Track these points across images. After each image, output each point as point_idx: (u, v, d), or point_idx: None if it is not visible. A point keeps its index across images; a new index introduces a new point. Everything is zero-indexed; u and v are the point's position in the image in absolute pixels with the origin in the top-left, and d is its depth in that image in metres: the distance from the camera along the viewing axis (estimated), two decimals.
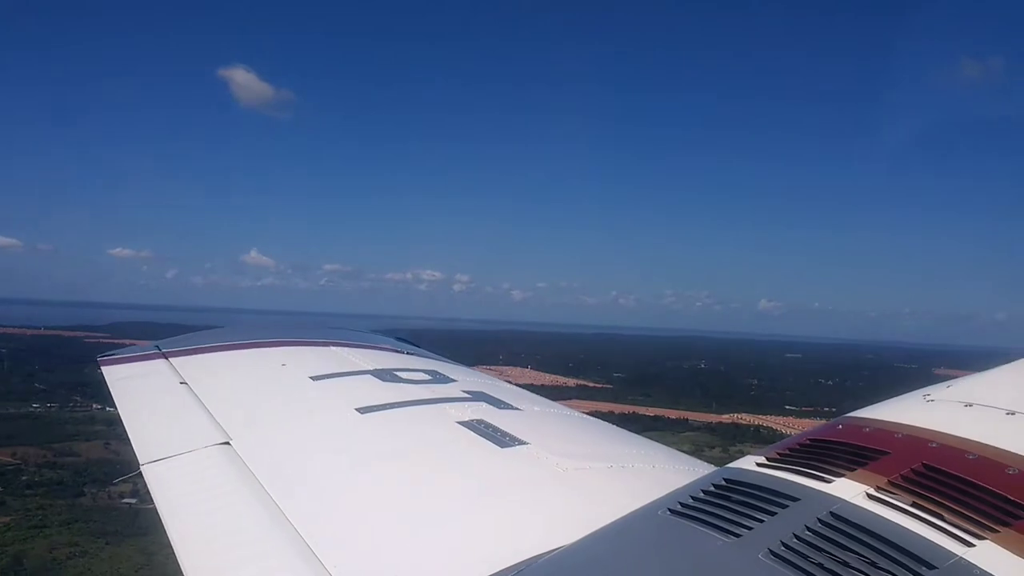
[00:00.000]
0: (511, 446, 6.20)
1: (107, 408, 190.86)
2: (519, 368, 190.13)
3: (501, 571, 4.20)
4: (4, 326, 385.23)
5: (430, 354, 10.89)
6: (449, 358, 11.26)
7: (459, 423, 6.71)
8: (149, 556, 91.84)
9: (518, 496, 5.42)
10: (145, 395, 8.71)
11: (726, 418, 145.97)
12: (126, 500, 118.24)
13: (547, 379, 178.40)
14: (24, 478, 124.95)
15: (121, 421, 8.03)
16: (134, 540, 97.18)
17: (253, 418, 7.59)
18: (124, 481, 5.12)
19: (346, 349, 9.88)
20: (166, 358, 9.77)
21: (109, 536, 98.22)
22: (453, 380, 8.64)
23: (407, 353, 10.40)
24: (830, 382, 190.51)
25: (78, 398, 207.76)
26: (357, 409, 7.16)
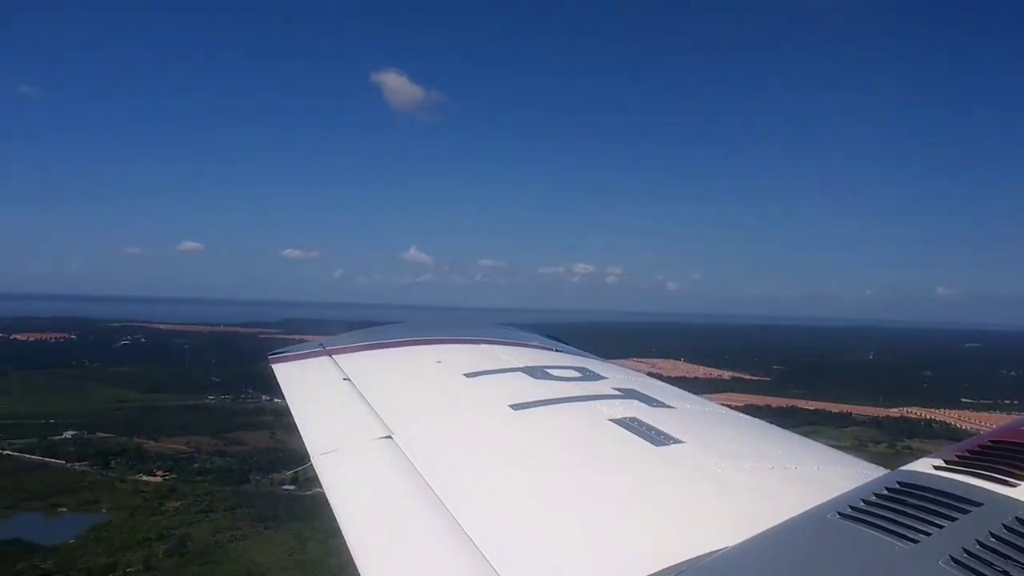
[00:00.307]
0: (666, 445, 5.96)
1: (275, 400, 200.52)
2: (672, 360, 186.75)
3: (661, 571, 3.98)
4: (188, 324, 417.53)
5: (579, 351, 10.79)
6: (600, 351, 11.18)
7: (611, 420, 6.54)
8: (303, 541, 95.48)
9: (676, 496, 5.19)
10: (312, 391, 9.07)
11: (894, 412, 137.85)
12: (286, 487, 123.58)
13: (700, 371, 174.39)
14: (196, 465, 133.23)
15: (290, 414, 8.30)
16: (291, 525, 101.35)
17: (412, 413, 7.67)
18: (295, 472, 4.82)
19: (497, 347, 10.00)
20: (330, 355, 10.11)
21: (268, 521, 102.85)
22: (603, 377, 8.50)
23: (556, 350, 10.35)
24: (1013, 373, 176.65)
25: (249, 390, 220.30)
26: (510, 406, 7.12)
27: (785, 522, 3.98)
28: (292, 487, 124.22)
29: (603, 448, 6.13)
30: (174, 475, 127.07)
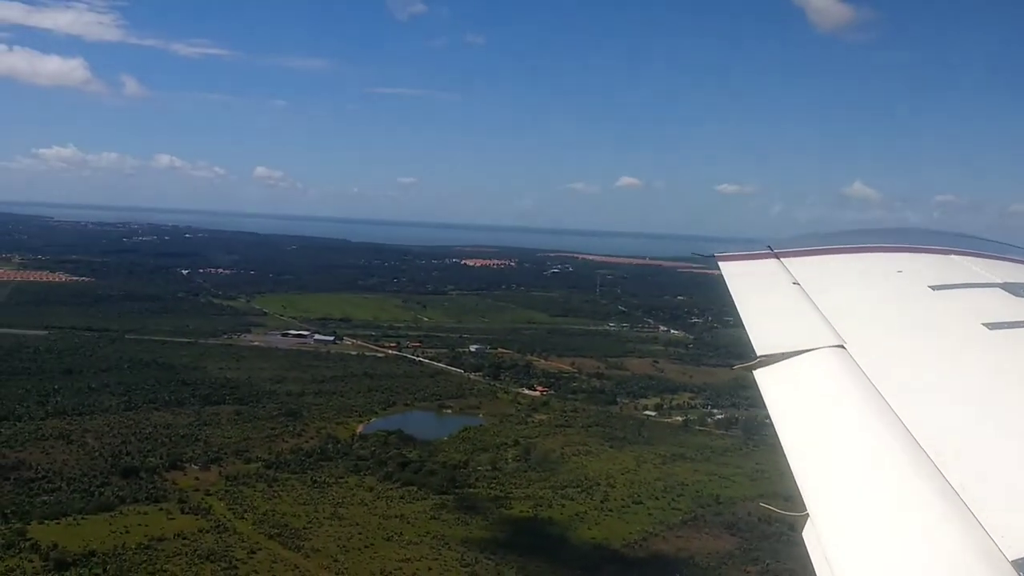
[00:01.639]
0: None
1: (671, 331, 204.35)
2: None
3: None
4: (616, 256, 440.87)
5: None
6: None
7: None
8: (640, 463, 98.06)
9: None
10: (758, 292, 9.09)
11: None
12: (648, 412, 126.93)
13: None
14: (574, 384, 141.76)
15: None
16: (634, 447, 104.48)
17: (867, 323, 7.48)
18: (745, 368, 6.00)
19: (970, 259, 9.28)
20: (778, 258, 9.96)
21: (615, 441, 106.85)
22: None
23: None
24: None
25: (649, 320, 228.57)
26: (985, 324, 6.64)
27: None
28: (653, 413, 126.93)
29: None
30: (551, 391, 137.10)
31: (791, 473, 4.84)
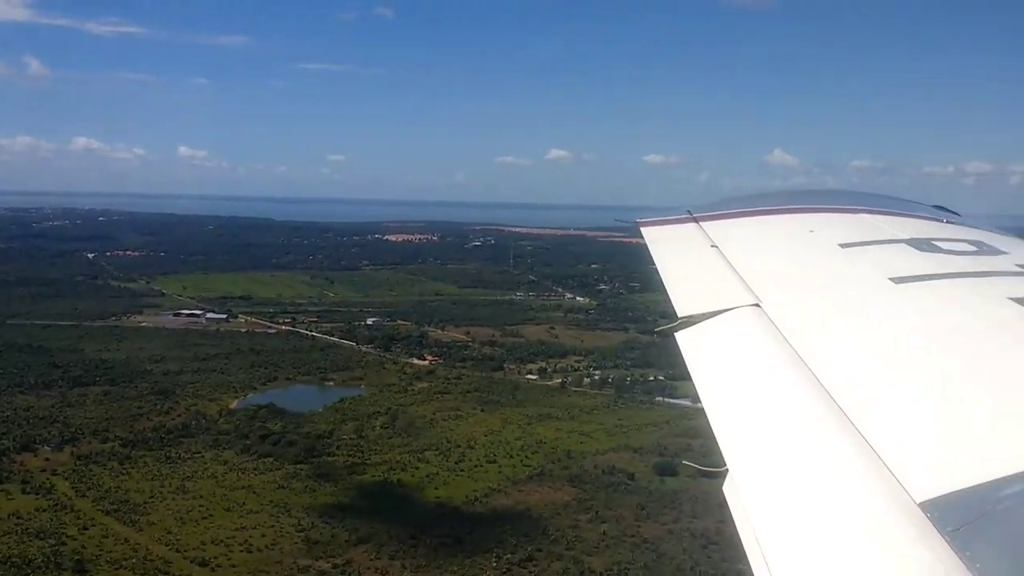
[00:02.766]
0: None
1: (576, 298, 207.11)
2: None
3: None
4: (540, 228, 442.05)
5: (974, 224, 9.83)
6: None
7: (1012, 299, 5.96)
8: (505, 424, 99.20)
9: None
10: (679, 256, 9.32)
11: None
12: (530, 376, 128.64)
13: None
14: (464, 352, 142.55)
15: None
16: (505, 410, 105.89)
17: (781, 282, 7.69)
18: (664, 333, 6.01)
19: (878, 216, 9.55)
20: (697, 222, 10.25)
21: (488, 404, 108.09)
22: (1004, 252, 7.79)
23: (946, 221, 9.62)
24: None
25: (557, 288, 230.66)
26: (891, 279, 6.83)
27: None
28: (535, 376, 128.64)
29: (1000, 329, 5.66)
30: (440, 360, 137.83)
31: (712, 430, 4.93)
